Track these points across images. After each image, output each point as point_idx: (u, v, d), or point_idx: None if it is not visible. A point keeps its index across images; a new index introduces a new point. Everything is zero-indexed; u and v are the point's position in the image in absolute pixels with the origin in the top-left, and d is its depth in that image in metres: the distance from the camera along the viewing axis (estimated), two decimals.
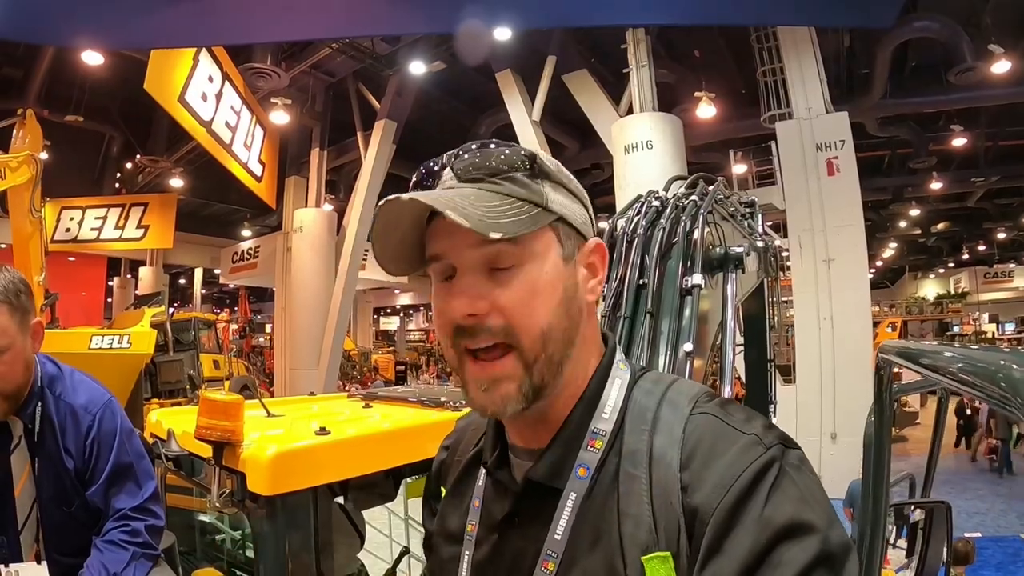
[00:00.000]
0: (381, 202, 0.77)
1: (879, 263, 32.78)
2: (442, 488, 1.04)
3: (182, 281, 29.02)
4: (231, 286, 24.60)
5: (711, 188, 3.57)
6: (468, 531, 0.92)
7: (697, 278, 2.75)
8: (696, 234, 2.93)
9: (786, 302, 9.72)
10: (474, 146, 0.83)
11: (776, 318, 5.50)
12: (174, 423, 2.28)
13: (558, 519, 0.81)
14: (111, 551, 1.75)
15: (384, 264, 0.86)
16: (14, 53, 13.93)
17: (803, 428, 9.50)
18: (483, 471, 0.93)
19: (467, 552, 0.91)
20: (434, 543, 1.02)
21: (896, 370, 1.78)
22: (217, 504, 1.78)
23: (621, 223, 3.04)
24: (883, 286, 35.76)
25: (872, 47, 12.26)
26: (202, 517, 3.12)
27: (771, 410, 5.04)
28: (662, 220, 3.01)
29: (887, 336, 18.45)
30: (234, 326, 22.33)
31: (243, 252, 19.95)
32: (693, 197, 3.21)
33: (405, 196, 0.75)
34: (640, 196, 3.36)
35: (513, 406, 0.80)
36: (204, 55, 11.42)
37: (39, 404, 1.78)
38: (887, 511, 2.22)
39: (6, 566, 1.71)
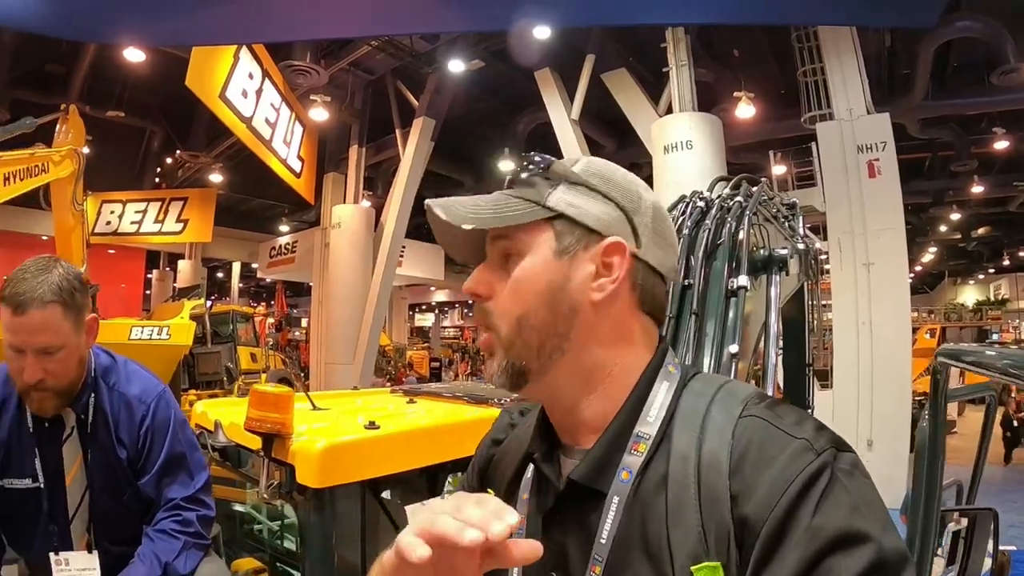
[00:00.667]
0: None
1: (918, 268, 32.17)
2: (484, 483, 1.05)
3: (220, 274, 29.46)
4: (267, 280, 24.88)
5: (755, 189, 3.53)
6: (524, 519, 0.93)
7: (743, 279, 2.72)
8: (741, 235, 2.91)
9: (824, 306, 9.59)
10: (523, 159, 0.92)
11: (816, 322, 5.43)
12: (221, 414, 2.31)
13: (603, 523, 0.81)
14: (163, 540, 1.76)
15: (451, 254, 0.98)
16: (57, 50, 14.18)
17: (840, 434, 9.34)
18: (531, 465, 0.95)
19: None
20: None
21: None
22: (265, 495, 1.80)
23: None
24: (922, 291, 35.11)
25: (913, 47, 12.01)
26: (240, 507, 3.16)
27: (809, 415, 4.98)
28: (707, 221, 2.99)
29: (925, 343, 18.10)
30: (270, 320, 22.58)
31: (281, 247, 20.14)
32: (738, 198, 3.18)
33: (429, 203, 0.87)
34: (684, 196, 3.34)
35: (499, 379, 0.88)
36: (244, 52, 11.54)
37: (92, 395, 1.80)
38: (939, 516, 2.18)
39: (56, 554, 1.74)
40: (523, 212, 0.86)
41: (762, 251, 3.11)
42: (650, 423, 0.84)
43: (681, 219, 3.06)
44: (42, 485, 1.75)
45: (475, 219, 0.84)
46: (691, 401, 0.85)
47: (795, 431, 0.76)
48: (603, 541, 0.81)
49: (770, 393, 3.02)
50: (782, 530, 0.70)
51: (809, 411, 5.01)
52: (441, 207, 0.85)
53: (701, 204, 3.18)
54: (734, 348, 2.61)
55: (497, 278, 0.89)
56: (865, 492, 0.73)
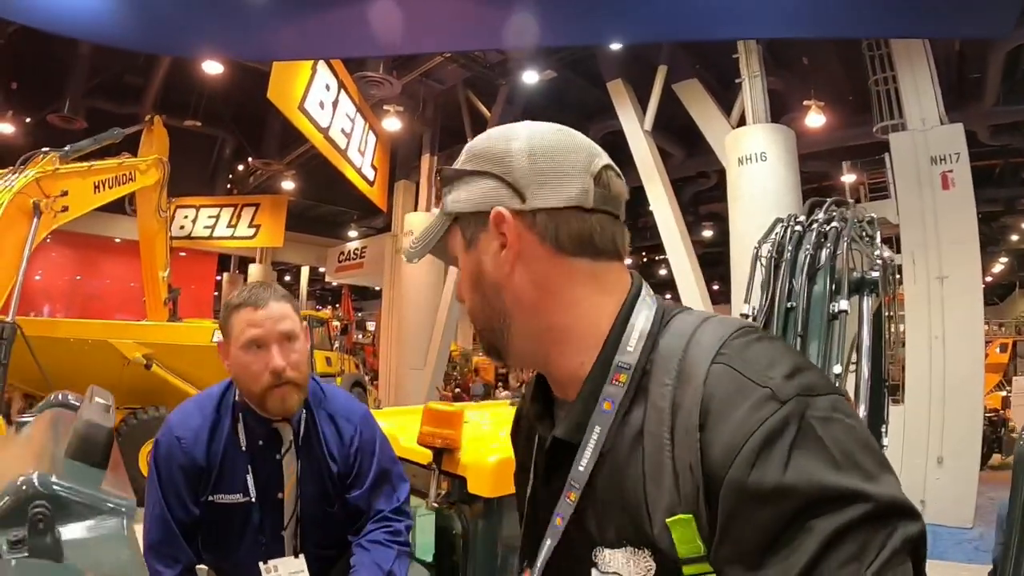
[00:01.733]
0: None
1: (988, 279, 31.18)
2: (517, 433, 1.12)
3: (288, 278, 30.14)
4: (334, 284, 25.34)
5: (848, 214, 3.63)
6: (533, 468, 0.98)
7: (844, 303, 2.85)
8: (840, 260, 3.03)
9: (893, 318, 9.45)
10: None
11: (891, 337, 5.45)
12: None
13: (583, 450, 0.83)
14: (379, 550, 1.91)
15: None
16: (135, 62, 14.84)
17: (910, 450, 9.23)
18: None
19: (529, 487, 0.98)
20: (515, 476, 1.12)
21: None
22: (434, 504, 1.98)
23: (766, 247, 3.16)
24: (991, 303, 33.96)
25: (984, 52, 11.80)
26: None
27: (883, 430, 5.00)
28: (806, 245, 3.12)
29: (997, 358, 17.61)
30: (335, 322, 23.06)
31: (349, 252, 20.62)
32: (835, 224, 3.29)
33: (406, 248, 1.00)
34: (780, 220, 3.46)
35: (493, 359, 0.97)
36: (321, 65, 11.92)
37: (304, 412, 1.94)
38: None
39: (265, 563, 1.86)
40: (436, 230, 0.94)
41: (855, 273, 3.22)
42: (630, 352, 0.83)
43: (781, 243, 3.17)
44: (253, 499, 1.86)
45: (415, 252, 0.98)
46: (669, 340, 0.83)
47: (760, 378, 0.72)
48: (581, 469, 0.82)
49: (863, 408, 3.10)
50: (742, 489, 0.67)
51: (884, 426, 5.04)
52: (405, 253, 1.00)
53: (798, 228, 3.30)
54: (838, 369, 2.73)
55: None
56: (846, 439, 0.68)
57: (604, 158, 0.91)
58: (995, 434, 12.01)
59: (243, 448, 1.88)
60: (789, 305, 2.91)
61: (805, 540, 0.64)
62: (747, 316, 3.01)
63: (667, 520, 0.74)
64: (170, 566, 1.82)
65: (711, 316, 0.85)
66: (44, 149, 8.23)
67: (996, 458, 12.31)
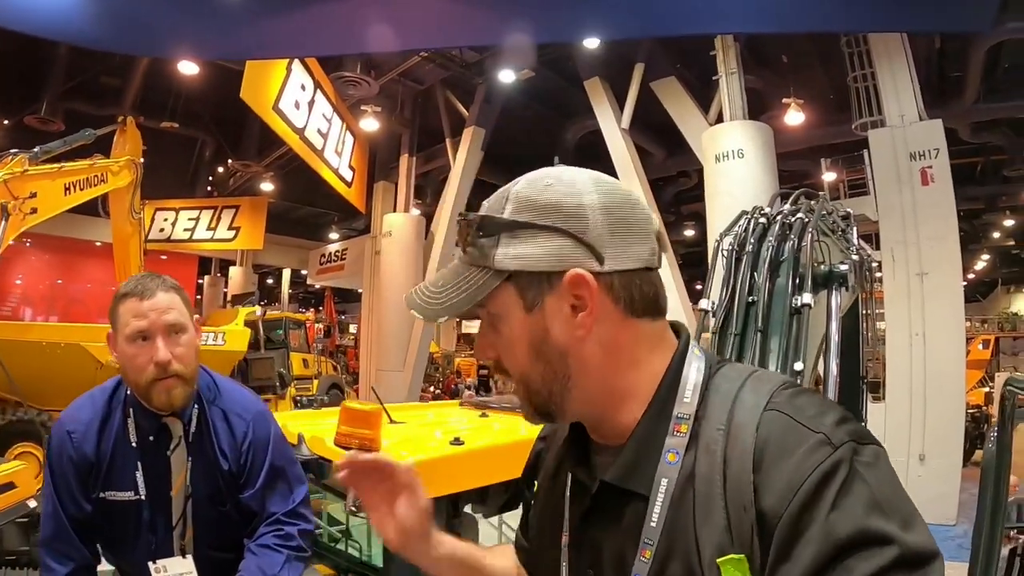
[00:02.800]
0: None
1: (970, 276, 31.29)
2: (532, 476, 1.12)
3: (270, 281, 29.97)
4: (316, 286, 25.29)
5: (815, 205, 3.54)
6: (567, 518, 0.96)
7: (807, 297, 2.75)
8: (803, 252, 2.93)
9: (874, 315, 9.41)
10: (458, 221, 0.92)
11: (869, 332, 5.39)
12: (303, 427, 2.40)
13: (651, 506, 0.82)
14: (266, 555, 1.84)
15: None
16: (111, 63, 14.63)
17: (891, 448, 8.97)
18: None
19: (565, 533, 0.95)
20: (533, 520, 1.10)
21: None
22: (353, 508, 1.88)
23: (728, 240, 3.06)
24: (974, 300, 34.13)
25: (964, 49, 11.80)
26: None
27: None
28: (769, 237, 3.02)
29: (979, 354, 17.64)
30: (319, 325, 22.93)
31: (331, 254, 20.42)
32: (800, 215, 3.20)
33: (406, 303, 0.93)
34: (745, 212, 3.37)
35: (533, 421, 0.94)
36: (297, 65, 11.81)
37: (196, 407, 1.89)
38: (1002, 535, 2.18)
39: (154, 562, 1.82)
40: (480, 285, 0.86)
41: (823, 267, 3.12)
42: (687, 403, 0.85)
43: (744, 235, 3.08)
44: (143, 497, 1.83)
45: (445, 309, 0.88)
46: (723, 386, 0.85)
47: (814, 424, 0.76)
48: (653, 524, 0.82)
49: None
50: (797, 526, 0.71)
51: (862, 424, 4.97)
52: (416, 307, 0.91)
53: (763, 221, 3.20)
54: (799, 365, 2.63)
55: (495, 339, 0.91)
56: (887, 487, 0.73)
57: (654, 214, 0.92)
58: (978, 430, 12.01)
59: (133, 444, 1.84)
60: (750, 299, 2.81)
61: None
62: (707, 312, 2.92)
63: (718, 560, 0.75)
64: (63, 563, 1.79)
65: (756, 370, 0.89)
66: (13, 151, 8.08)
67: (979, 454, 12.28)
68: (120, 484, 1.82)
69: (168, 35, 9.80)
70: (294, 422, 2.60)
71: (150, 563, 1.81)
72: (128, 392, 1.87)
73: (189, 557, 1.85)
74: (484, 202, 0.91)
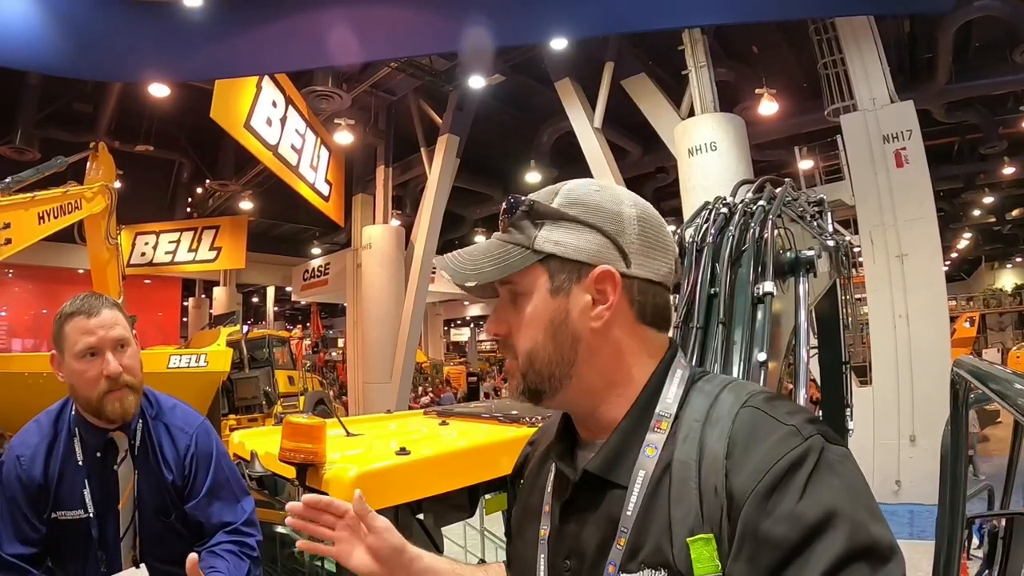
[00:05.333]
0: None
1: (953, 255, 31.52)
2: (519, 478, 1.16)
3: (255, 299, 29.89)
4: (303, 303, 25.25)
5: (778, 191, 3.49)
6: (545, 511, 1.00)
7: (768, 286, 2.69)
8: (765, 239, 2.88)
9: (859, 300, 9.43)
10: (507, 203, 0.98)
11: (850, 318, 5.36)
12: (257, 444, 2.36)
13: (628, 496, 0.86)
14: (234, 560, 1.88)
15: (472, 294, 1.03)
16: (83, 90, 14.61)
17: (881, 431, 9.21)
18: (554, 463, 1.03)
19: (544, 527, 0.99)
20: (514, 519, 1.14)
21: None
22: (302, 549, 1.85)
23: (689, 232, 3.01)
24: (958, 279, 34.38)
25: (933, 30, 11.87)
26: (279, 529, 3.21)
27: (848, 414, 4.89)
28: (731, 227, 2.97)
29: (965, 332, 17.72)
30: (307, 341, 22.83)
31: (314, 269, 20.36)
32: (761, 202, 3.15)
33: (437, 264, 0.99)
34: (707, 203, 3.32)
35: (519, 397, 0.97)
36: (267, 81, 11.76)
37: (139, 421, 1.93)
38: (964, 523, 2.15)
39: None
40: (515, 260, 0.93)
41: (788, 254, 3.07)
42: (669, 403, 0.91)
43: (705, 226, 3.03)
44: (92, 515, 1.85)
45: (476, 275, 0.93)
46: (698, 395, 0.90)
47: (786, 419, 0.81)
48: (629, 513, 0.86)
49: (803, 393, 2.98)
50: (764, 506, 0.74)
51: (849, 409, 4.93)
52: (448, 270, 0.96)
53: (725, 211, 3.15)
54: (762, 356, 2.57)
55: (511, 315, 0.96)
56: (856, 480, 0.76)
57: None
58: None
59: (80, 462, 1.87)
60: (712, 292, 2.76)
61: (814, 563, 0.70)
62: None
63: (688, 539, 0.79)
64: None
65: (734, 379, 0.95)
66: None
67: None
68: (69, 503, 1.85)
69: (134, 59, 9.78)
70: (250, 439, 2.55)
71: None
72: (73, 412, 1.91)
73: (143, 567, 1.88)
74: (531, 194, 0.98)
